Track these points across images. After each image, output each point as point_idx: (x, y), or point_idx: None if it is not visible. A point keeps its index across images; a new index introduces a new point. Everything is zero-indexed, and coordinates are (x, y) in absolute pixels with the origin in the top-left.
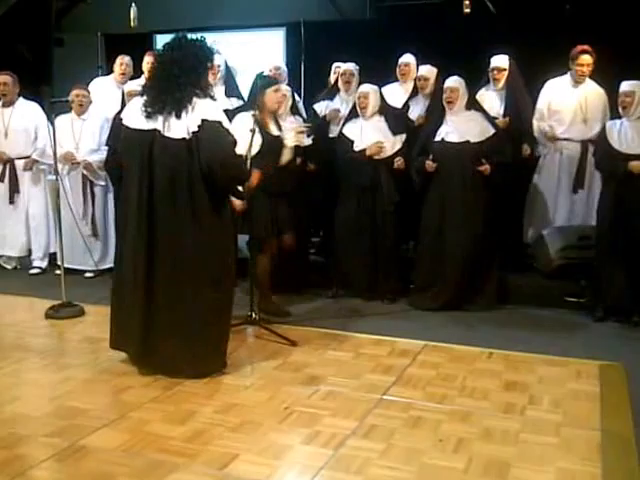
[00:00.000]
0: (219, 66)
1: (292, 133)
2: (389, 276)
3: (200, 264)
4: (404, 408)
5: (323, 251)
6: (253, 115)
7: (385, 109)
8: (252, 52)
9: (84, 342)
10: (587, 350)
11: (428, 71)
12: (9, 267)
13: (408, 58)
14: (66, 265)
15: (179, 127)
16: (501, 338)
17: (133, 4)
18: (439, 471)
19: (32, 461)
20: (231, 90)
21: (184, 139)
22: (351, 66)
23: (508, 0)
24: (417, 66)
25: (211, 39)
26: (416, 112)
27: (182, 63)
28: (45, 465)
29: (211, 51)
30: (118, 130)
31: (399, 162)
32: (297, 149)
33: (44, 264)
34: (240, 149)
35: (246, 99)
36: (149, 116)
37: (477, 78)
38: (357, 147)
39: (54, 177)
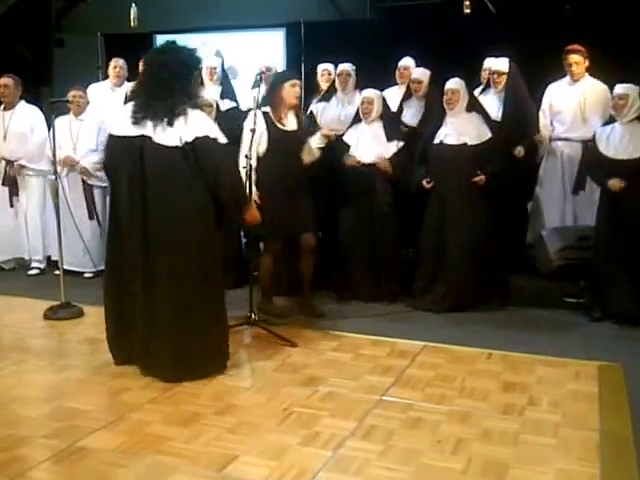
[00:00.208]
0: (215, 68)
1: (318, 134)
2: (390, 278)
3: (194, 266)
4: (403, 409)
5: (323, 253)
6: (264, 113)
7: (385, 114)
8: (252, 52)
9: (83, 343)
10: (586, 351)
11: (421, 74)
12: (8, 268)
13: (408, 62)
14: (65, 266)
15: (171, 135)
16: (500, 339)
17: (133, 4)
18: (438, 472)
19: (31, 462)
20: (226, 92)
21: (177, 147)
22: (347, 66)
23: (508, 1)
24: None
25: (203, 40)
26: (410, 115)
27: (172, 68)
28: (44, 466)
29: (199, 60)
30: None
31: (382, 165)
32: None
33: (43, 265)
34: (246, 147)
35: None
36: (137, 122)
37: (477, 79)
38: (352, 151)
39: (53, 177)
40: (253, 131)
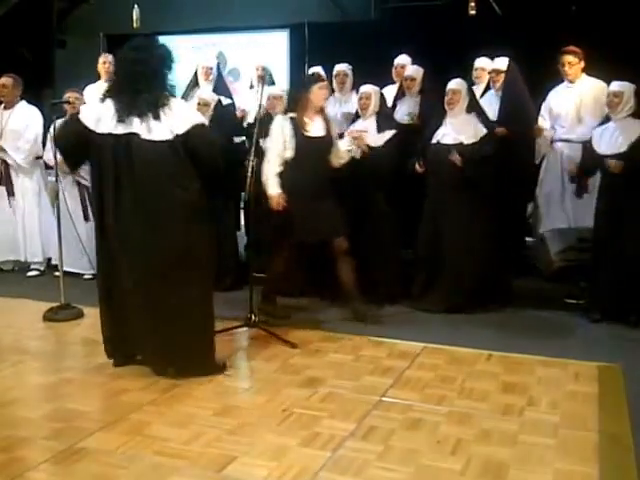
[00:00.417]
0: (211, 68)
1: (348, 137)
2: (389, 278)
3: (185, 258)
4: (403, 410)
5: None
6: (291, 118)
7: (381, 110)
8: (256, 53)
9: (82, 344)
10: (586, 352)
11: (414, 71)
12: (7, 269)
13: (403, 59)
14: (64, 268)
15: (160, 129)
16: (500, 340)
17: (136, 5)
18: (437, 472)
19: (30, 463)
20: (220, 90)
21: (167, 141)
22: (344, 66)
23: (513, 1)
24: None
25: (205, 41)
26: (402, 112)
27: (149, 62)
28: (43, 467)
29: (172, 54)
30: None
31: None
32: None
33: (42, 266)
34: (273, 154)
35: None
36: (121, 120)
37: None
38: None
39: (53, 179)
40: (252, 126)
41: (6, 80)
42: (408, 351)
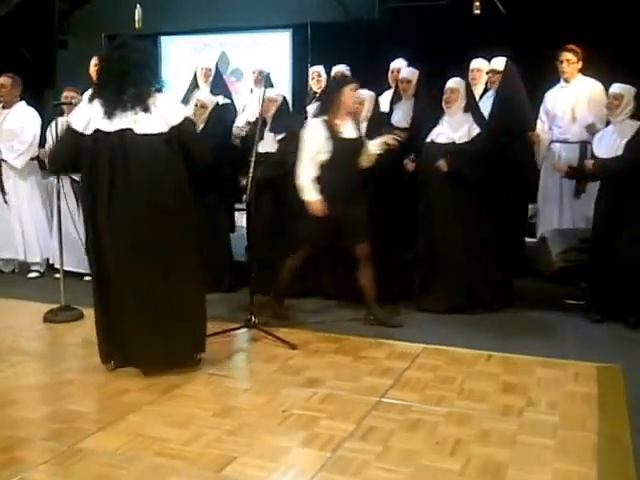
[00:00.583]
0: (210, 69)
1: (378, 140)
2: (389, 279)
3: (178, 253)
4: (402, 410)
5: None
6: (324, 120)
7: (373, 116)
8: (258, 53)
9: (83, 345)
10: (586, 353)
11: (410, 73)
12: (7, 270)
13: (399, 63)
14: (65, 268)
15: (153, 122)
16: (500, 341)
17: (138, 5)
18: (436, 473)
19: (30, 464)
20: (217, 90)
21: (161, 133)
22: (342, 67)
23: (517, 1)
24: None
25: (207, 41)
26: (398, 116)
27: (133, 59)
28: (43, 468)
29: (153, 50)
30: None
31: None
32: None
33: (42, 267)
34: (308, 159)
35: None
36: (111, 117)
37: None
38: None
39: (54, 180)
40: (249, 124)
41: (5, 80)
42: (408, 352)
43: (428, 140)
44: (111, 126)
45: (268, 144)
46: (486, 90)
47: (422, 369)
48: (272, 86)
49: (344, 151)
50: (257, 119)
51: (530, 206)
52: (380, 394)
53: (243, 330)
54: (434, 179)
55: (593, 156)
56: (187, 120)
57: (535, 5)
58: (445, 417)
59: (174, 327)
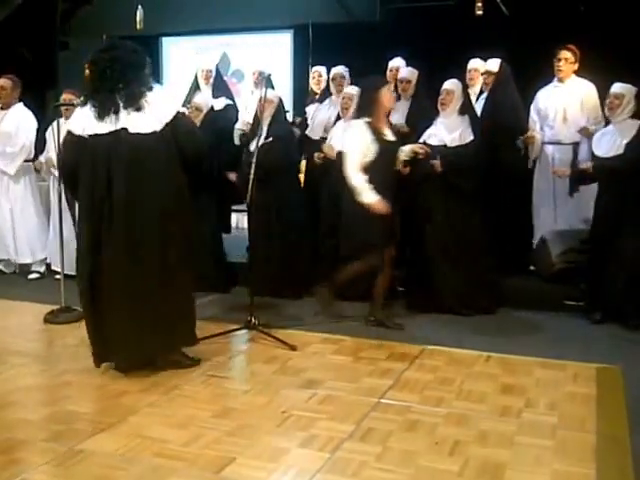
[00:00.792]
0: (211, 71)
1: (408, 147)
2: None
3: (177, 249)
4: (401, 411)
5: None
6: (367, 122)
7: None
8: (259, 54)
9: (82, 347)
10: (585, 353)
11: (409, 73)
12: (8, 271)
13: (398, 62)
14: (66, 271)
15: (146, 121)
16: (499, 341)
17: (139, 6)
18: (435, 474)
19: (30, 465)
20: (219, 91)
21: (155, 132)
22: (341, 69)
23: (519, 2)
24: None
25: (208, 42)
26: (397, 116)
27: (124, 60)
28: (43, 469)
29: (144, 52)
30: None
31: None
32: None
33: (42, 269)
34: (355, 160)
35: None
36: (104, 118)
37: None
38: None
39: (48, 181)
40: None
41: (4, 82)
42: (407, 353)
43: (420, 141)
44: (106, 127)
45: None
46: (482, 91)
47: (421, 370)
48: (273, 88)
49: (386, 153)
50: (254, 118)
51: None
52: (379, 395)
53: (243, 331)
54: (426, 179)
55: (593, 156)
56: (179, 114)
57: (537, 6)
58: (444, 418)
59: (158, 322)
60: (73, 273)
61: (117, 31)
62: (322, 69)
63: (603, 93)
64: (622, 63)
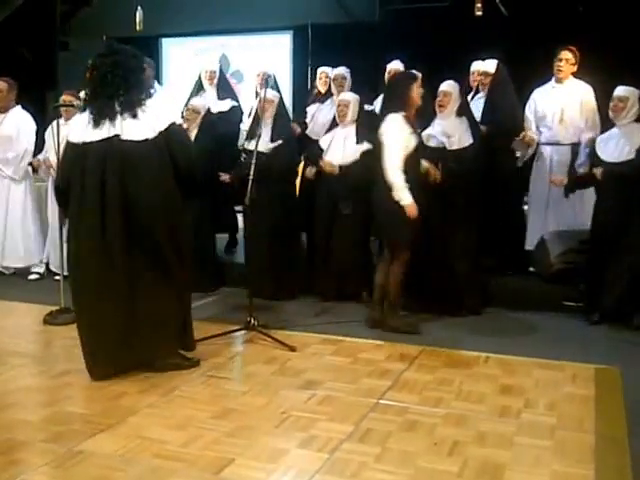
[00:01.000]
0: (214, 72)
1: (425, 165)
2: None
3: (166, 252)
4: (400, 412)
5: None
6: (404, 116)
7: (360, 119)
8: (259, 55)
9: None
10: (584, 354)
11: None
12: (8, 273)
13: (397, 65)
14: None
15: (140, 128)
16: (498, 342)
17: (139, 7)
18: (434, 474)
19: (30, 466)
20: (224, 93)
21: (147, 140)
22: (342, 70)
23: (518, 3)
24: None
25: (209, 43)
26: None
27: (125, 65)
28: (42, 470)
29: (140, 55)
30: None
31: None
32: None
33: (42, 269)
34: (396, 154)
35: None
36: (100, 125)
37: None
38: (324, 156)
39: (46, 183)
40: (259, 136)
41: (1, 85)
42: (406, 353)
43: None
44: (100, 134)
45: (262, 144)
46: (477, 91)
47: (420, 371)
48: (279, 89)
49: (419, 150)
50: (253, 118)
51: None
52: (378, 396)
53: (242, 332)
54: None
55: (599, 160)
56: (173, 125)
57: (536, 7)
58: (443, 418)
59: (153, 327)
60: None
61: (117, 32)
62: (328, 70)
63: (601, 94)
64: (621, 64)
